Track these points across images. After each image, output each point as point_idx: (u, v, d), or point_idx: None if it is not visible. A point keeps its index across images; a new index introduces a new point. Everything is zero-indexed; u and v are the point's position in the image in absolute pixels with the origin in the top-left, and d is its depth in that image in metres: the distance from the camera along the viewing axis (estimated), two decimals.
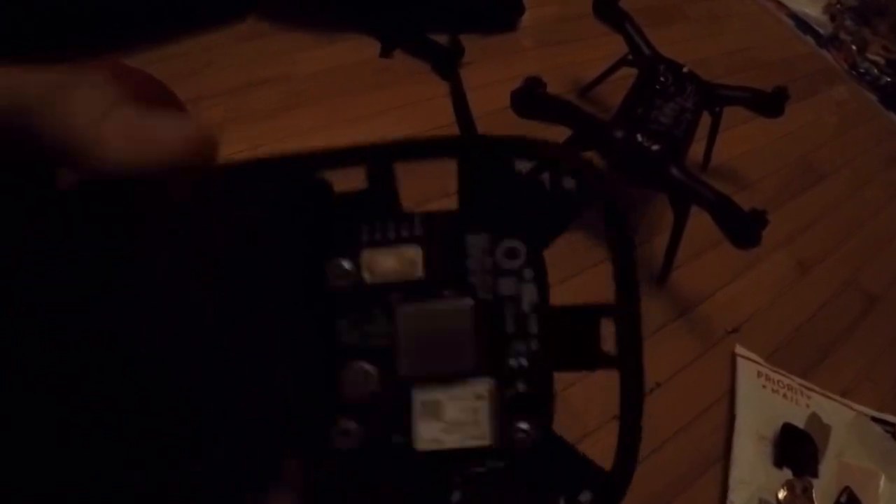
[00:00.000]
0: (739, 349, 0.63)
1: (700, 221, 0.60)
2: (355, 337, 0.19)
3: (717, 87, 0.72)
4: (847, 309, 0.72)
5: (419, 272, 0.19)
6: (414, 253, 0.19)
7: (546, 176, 0.19)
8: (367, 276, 0.19)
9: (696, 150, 0.75)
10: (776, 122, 0.76)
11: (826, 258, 0.76)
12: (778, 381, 0.61)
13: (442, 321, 0.19)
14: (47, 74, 0.17)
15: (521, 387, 0.18)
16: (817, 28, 1.09)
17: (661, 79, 0.68)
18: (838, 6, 1.08)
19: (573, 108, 0.63)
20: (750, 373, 0.61)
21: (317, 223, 0.19)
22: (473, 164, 0.20)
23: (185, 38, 0.73)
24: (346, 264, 0.19)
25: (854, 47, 1.04)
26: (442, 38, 0.82)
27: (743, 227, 0.57)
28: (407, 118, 0.73)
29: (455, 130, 0.73)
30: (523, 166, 0.19)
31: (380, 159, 0.19)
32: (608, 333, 0.18)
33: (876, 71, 1.02)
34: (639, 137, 0.61)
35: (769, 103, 0.73)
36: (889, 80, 1.02)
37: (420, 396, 0.18)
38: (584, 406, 0.52)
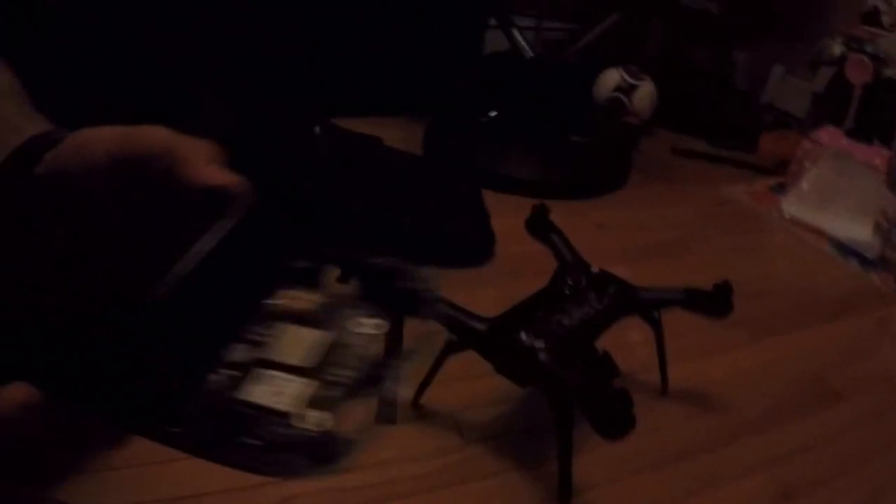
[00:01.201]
0: None
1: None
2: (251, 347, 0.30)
3: (639, 290, 0.65)
4: None
5: (313, 309, 0.31)
6: (317, 297, 0.32)
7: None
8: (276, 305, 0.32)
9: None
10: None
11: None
12: None
13: (308, 339, 0.30)
14: (179, 134, 0.30)
15: (333, 394, 0.28)
16: (862, 252, 0.98)
17: (570, 282, 0.64)
18: (885, 223, 0.98)
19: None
20: None
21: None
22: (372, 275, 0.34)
23: None
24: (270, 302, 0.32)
25: None
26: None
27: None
28: None
29: None
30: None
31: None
32: None
33: None
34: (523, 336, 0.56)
35: (710, 301, 0.64)
36: None
37: (265, 371, 0.29)
38: None
